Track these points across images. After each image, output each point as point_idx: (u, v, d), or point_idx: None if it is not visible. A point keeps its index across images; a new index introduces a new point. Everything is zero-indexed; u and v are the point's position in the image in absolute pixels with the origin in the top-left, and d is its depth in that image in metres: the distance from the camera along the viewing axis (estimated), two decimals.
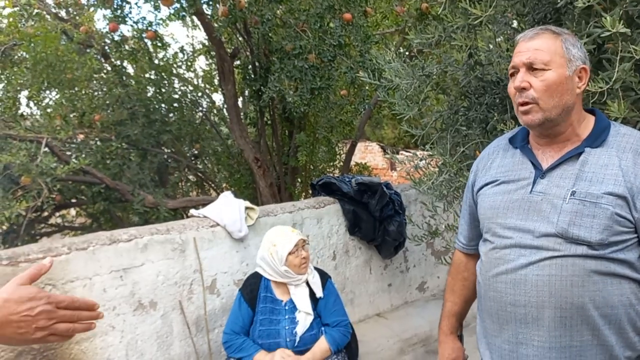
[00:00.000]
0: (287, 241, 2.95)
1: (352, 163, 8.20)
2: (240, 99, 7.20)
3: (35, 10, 5.35)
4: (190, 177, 8.08)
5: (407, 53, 4.82)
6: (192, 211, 3.70)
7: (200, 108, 7.53)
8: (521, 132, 1.71)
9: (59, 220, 7.55)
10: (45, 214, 5.75)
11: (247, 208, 3.67)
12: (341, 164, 8.09)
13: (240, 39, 5.71)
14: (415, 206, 4.72)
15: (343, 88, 6.12)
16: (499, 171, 1.68)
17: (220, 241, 3.55)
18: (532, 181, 1.57)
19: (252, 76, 5.71)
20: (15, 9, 4.47)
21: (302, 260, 2.93)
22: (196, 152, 7.55)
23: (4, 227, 4.03)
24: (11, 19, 4.30)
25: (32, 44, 4.37)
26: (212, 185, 8.08)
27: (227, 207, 3.62)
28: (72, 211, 8.03)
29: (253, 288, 2.99)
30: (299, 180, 7.54)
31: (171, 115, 6.62)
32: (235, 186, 7.21)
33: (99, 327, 2.96)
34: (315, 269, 3.12)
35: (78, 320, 1.15)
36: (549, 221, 1.49)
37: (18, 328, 1.07)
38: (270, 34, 4.87)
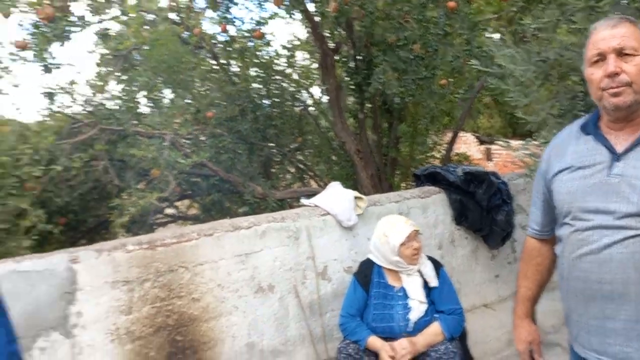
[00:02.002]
0: (399, 232, 3.00)
1: (451, 153, 8.09)
2: None
3: (152, 16, 5.80)
4: (290, 169, 8.35)
5: (517, 38, 4.70)
6: (303, 200, 3.86)
7: (300, 102, 7.76)
8: (592, 119, 1.76)
9: (174, 211, 8.12)
10: (166, 204, 6.23)
11: (355, 198, 3.79)
12: (441, 154, 8.02)
13: (342, 33, 5.83)
14: (524, 195, 4.60)
15: (443, 77, 6.06)
16: (574, 157, 1.74)
17: (330, 229, 3.69)
18: (609, 165, 1.64)
19: (354, 69, 5.81)
20: (133, 15, 4.86)
21: (414, 251, 2.98)
22: (297, 145, 7.79)
23: (129, 217, 4.43)
24: (135, 25, 4.72)
25: (154, 48, 4.76)
26: (313, 177, 8.31)
27: (337, 197, 3.76)
28: (185, 202, 8.60)
29: (367, 273, 3.10)
30: (399, 171, 7.56)
31: (275, 110, 6.89)
32: (335, 178, 7.38)
33: (225, 307, 3.20)
34: (428, 257, 3.16)
35: None
36: (629, 201, 1.56)
37: None
38: (373, 27, 4.94)
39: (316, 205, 3.74)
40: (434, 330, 2.89)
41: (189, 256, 3.10)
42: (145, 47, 5.10)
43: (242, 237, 3.32)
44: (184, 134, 4.58)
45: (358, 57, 5.84)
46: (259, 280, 3.36)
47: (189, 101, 5.94)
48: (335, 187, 3.90)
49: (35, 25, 3.67)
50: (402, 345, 2.82)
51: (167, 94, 6.39)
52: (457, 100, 6.97)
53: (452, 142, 7.27)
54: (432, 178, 4.27)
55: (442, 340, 2.87)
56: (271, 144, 6.91)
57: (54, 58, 3.88)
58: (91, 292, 2.76)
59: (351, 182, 6.96)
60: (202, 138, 5.79)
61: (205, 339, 3.13)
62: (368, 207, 3.83)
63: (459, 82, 6.33)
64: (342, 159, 7.43)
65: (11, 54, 3.88)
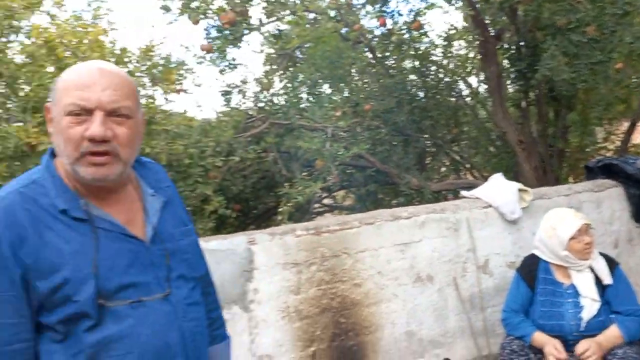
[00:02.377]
0: (569, 226, 2.84)
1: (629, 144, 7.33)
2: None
3: (312, 15, 6.08)
4: (446, 161, 8.21)
5: None
6: (464, 192, 3.81)
7: (455, 93, 7.58)
8: None
9: (331, 201, 8.47)
10: (324, 194, 6.54)
11: (520, 190, 3.64)
12: (615, 145, 7.31)
13: (505, 19, 5.59)
14: None
15: (619, 61, 5.52)
16: None
17: (492, 222, 3.60)
18: None
19: (517, 56, 5.54)
20: (301, 15, 5.15)
21: (586, 246, 2.81)
22: (453, 136, 7.64)
23: (289, 206, 4.72)
24: (301, 25, 5.02)
25: (317, 45, 5.01)
26: (469, 169, 8.09)
27: (500, 189, 3.65)
28: (340, 193, 8.92)
29: (531, 269, 2.98)
30: (566, 163, 7.06)
31: (430, 101, 6.83)
32: (494, 170, 7.10)
33: (385, 295, 3.30)
34: (601, 254, 2.95)
35: None
36: None
37: None
38: (540, 10, 4.67)
39: (477, 197, 3.67)
40: (613, 334, 2.70)
41: (351, 243, 3.24)
42: (308, 45, 5.38)
43: (402, 226, 3.38)
44: (344, 126, 4.77)
45: (521, 44, 5.55)
46: (417, 270, 3.40)
47: (348, 95, 6.15)
48: (497, 179, 3.79)
49: (219, 29, 4.10)
50: (585, 346, 2.65)
51: (327, 89, 6.68)
52: (636, 86, 6.29)
53: (629, 132, 6.59)
54: (607, 170, 3.95)
55: (620, 343, 2.67)
56: (426, 136, 6.87)
57: (233, 59, 4.31)
58: (266, 272, 3.02)
59: (511, 174, 6.65)
60: (359, 130, 5.95)
61: (367, 324, 3.25)
62: (534, 201, 3.67)
63: (638, 66, 5.71)
64: (501, 150, 7.14)
65: (196, 56, 4.40)
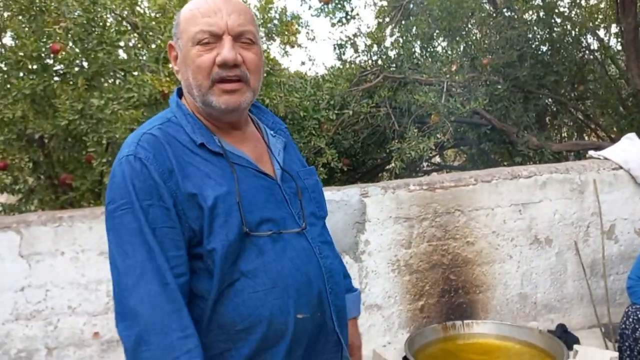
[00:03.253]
0: None
1: None
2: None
3: None
4: (569, 121, 7.66)
5: None
6: (592, 152, 3.57)
7: (583, 47, 6.97)
8: None
9: (440, 160, 8.27)
10: (434, 152, 6.39)
11: None
12: None
13: None
14: None
15: None
16: None
17: (622, 185, 3.36)
18: None
19: None
20: None
21: None
22: (578, 94, 7.08)
23: (400, 161, 4.64)
24: None
25: None
26: (594, 129, 7.50)
27: (633, 150, 3.37)
28: (449, 152, 8.67)
29: None
30: None
31: (555, 55, 6.36)
32: (623, 132, 6.53)
33: (499, 255, 3.22)
34: None
35: None
36: None
37: None
38: None
39: (606, 158, 3.42)
40: None
41: (465, 200, 3.17)
42: None
43: (521, 185, 3.25)
44: (460, 81, 4.59)
45: None
46: (535, 232, 3.27)
47: (465, 48, 5.88)
48: (631, 138, 3.50)
49: None
50: None
51: (442, 42, 6.43)
52: None
53: None
54: None
55: None
56: (548, 93, 6.42)
57: (352, 9, 4.26)
58: (377, 224, 3.05)
59: None
60: (476, 85, 5.69)
61: (478, 283, 3.20)
62: None
63: None
64: (633, 110, 6.53)
65: (312, 8, 4.40)
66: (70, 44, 3.16)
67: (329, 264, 1.30)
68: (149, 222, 1.11)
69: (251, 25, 1.24)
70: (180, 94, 1.32)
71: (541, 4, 6.00)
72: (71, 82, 3.20)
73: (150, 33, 3.35)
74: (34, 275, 2.59)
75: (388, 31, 6.22)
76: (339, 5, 4.20)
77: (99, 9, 3.09)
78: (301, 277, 1.22)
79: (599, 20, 7.73)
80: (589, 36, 7.23)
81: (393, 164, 4.34)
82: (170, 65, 3.28)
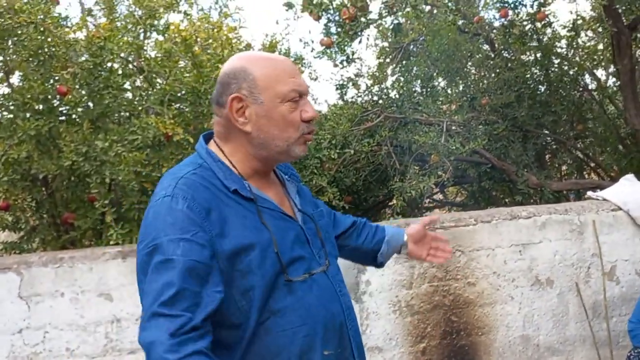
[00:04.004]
0: None
1: None
2: None
3: (427, 7, 5.98)
4: (568, 159, 7.71)
5: None
6: (590, 193, 3.59)
7: (581, 87, 7.08)
8: None
9: (441, 197, 8.30)
10: (436, 190, 6.43)
11: None
12: None
13: None
14: None
15: None
16: None
17: (622, 227, 3.37)
18: None
19: None
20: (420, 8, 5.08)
21: None
22: (577, 133, 7.15)
23: (401, 200, 4.68)
24: (419, 18, 4.98)
25: (435, 38, 4.94)
26: (594, 168, 7.54)
27: (632, 191, 3.40)
28: (451, 189, 8.71)
29: None
30: None
31: (553, 95, 6.45)
32: (622, 171, 6.57)
33: (499, 296, 3.20)
34: None
35: None
36: None
37: None
38: None
39: (605, 199, 3.44)
40: None
41: (465, 240, 3.18)
42: (423, 38, 5.31)
43: (520, 226, 3.26)
44: (459, 121, 4.66)
45: None
46: (536, 273, 3.27)
47: (464, 89, 5.98)
48: (629, 180, 3.53)
49: (339, 24, 4.19)
50: None
51: (442, 83, 6.54)
52: None
53: None
54: None
55: None
56: (547, 132, 6.49)
57: (353, 53, 4.38)
58: None
59: None
60: (475, 125, 5.76)
61: (480, 324, 3.18)
62: None
63: None
64: (632, 149, 6.57)
65: (314, 51, 4.52)
66: (77, 86, 3.24)
67: (347, 301, 1.39)
68: (180, 254, 1.13)
69: None
70: (206, 140, 1.40)
71: (538, 45, 6.11)
72: (76, 124, 3.27)
73: (155, 76, 3.43)
74: (33, 317, 2.58)
75: (389, 71, 6.33)
76: (340, 49, 4.31)
77: (106, 54, 3.17)
78: (327, 314, 1.29)
79: (596, 60, 7.88)
80: (586, 76, 7.36)
81: (395, 202, 4.38)
82: (174, 107, 3.37)
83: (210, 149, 1.35)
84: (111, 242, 3.01)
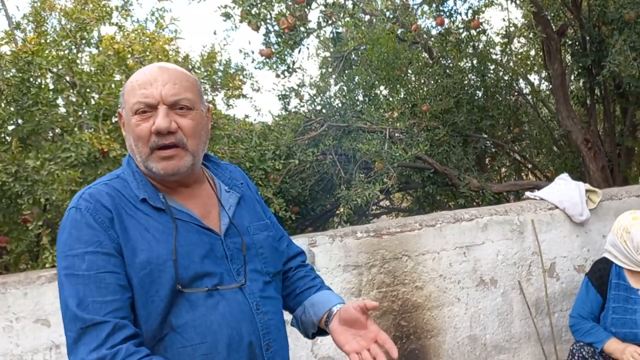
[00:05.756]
0: None
1: None
2: None
3: (366, 17, 6.08)
4: (506, 162, 8.00)
5: None
6: (528, 193, 3.71)
7: (515, 91, 7.38)
8: None
9: (387, 203, 8.42)
10: (382, 196, 6.51)
11: (587, 191, 3.51)
12: None
13: (568, 14, 5.40)
14: None
15: None
16: None
17: (559, 224, 3.48)
18: None
19: (581, 52, 5.34)
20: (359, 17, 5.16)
21: None
22: (514, 136, 7.44)
23: (347, 208, 4.72)
24: (359, 27, 5.04)
25: (374, 47, 5.01)
26: (531, 169, 7.85)
27: (566, 190, 3.52)
28: (397, 195, 8.85)
29: (602, 274, 2.86)
30: (635, 162, 6.73)
31: (490, 100, 6.68)
32: (557, 170, 6.87)
33: (447, 298, 3.25)
34: None
35: None
36: None
37: None
38: (606, 4, 4.49)
39: (542, 199, 3.56)
40: None
41: (411, 245, 3.21)
42: (364, 47, 5.39)
43: (464, 228, 3.32)
44: (402, 128, 4.74)
45: (586, 39, 5.35)
46: (480, 273, 3.33)
47: (405, 96, 6.10)
48: (564, 179, 3.66)
49: (278, 34, 4.18)
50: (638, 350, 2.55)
51: (383, 91, 6.65)
52: None
53: None
54: None
55: None
56: (486, 136, 6.72)
57: (293, 63, 4.38)
58: (327, 273, 3.03)
59: (577, 174, 6.42)
60: (417, 131, 5.89)
61: (428, 327, 3.21)
62: (602, 202, 3.53)
63: None
64: (565, 150, 6.89)
65: (255, 61, 4.50)
66: (3, 104, 3.08)
67: (267, 320, 1.30)
68: (86, 269, 1.13)
69: (188, 92, 1.28)
70: None
71: (474, 52, 6.32)
72: (5, 142, 3.10)
73: (89, 90, 3.31)
74: None
75: (332, 81, 6.39)
76: (280, 59, 4.31)
77: (34, 69, 3.04)
78: (231, 332, 1.22)
79: (529, 66, 8.23)
80: (521, 81, 7.67)
81: (341, 210, 4.39)
82: (109, 122, 3.26)
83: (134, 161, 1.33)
84: (47, 265, 2.87)
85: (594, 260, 3.10)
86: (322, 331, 1.50)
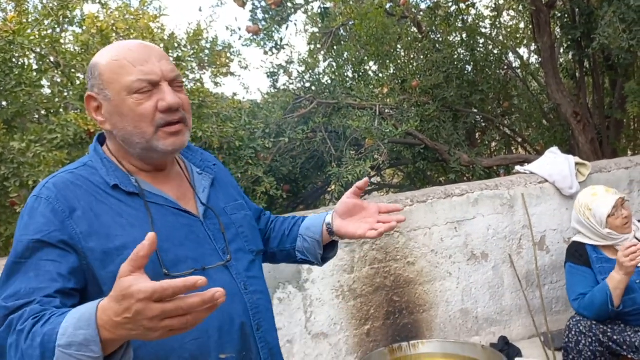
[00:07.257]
0: (604, 203, 2.79)
1: None
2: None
3: None
4: (497, 136, 8.02)
5: None
6: (518, 168, 3.72)
7: (505, 65, 7.36)
8: None
9: (379, 180, 8.43)
10: (373, 173, 6.51)
11: (577, 164, 3.53)
12: None
13: None
14: None
15: None
16: None
17: (549, 198, 3.51)
18: None
19: (571, 24, 5.32)
20: None
21: (625, 220, 2.77)
22: (504, 110, 7.44)
23: (339, 185, 4.72)
24: (344, 1, 4.97)
25: (363, 22, 4.95)
26: (521, 143, 7.88)
27: (556, 164, 3.54)
28: (388, 171, 8.86)
29: (582, 253, 2.88)
30: (624, 134, 6.76)
31: (479, 75, 6.66)
32: (547, 144, 6.89)
33: (439, 273, 3.28)
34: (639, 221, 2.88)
35: (190, 312, 0.87)
36: None
37: (130, 330, 0.89)
38: None
39: (532, 173, 3.58)
40: None
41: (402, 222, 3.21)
42: (353, 23, 5.33)
43: (455, 204, 3.34)
44: (392, 104, 4.71)
45: (576, 11, 5.32)
46: (472, 248, 3.36)
47: (394, 72, 6.06)
48: (554, 152, 3.67)
49: (265, 11, 4.10)
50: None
51: (373, 67, 6.60)
52: None
53: None
54: None
55: None
56: (476, 110, 6.71)
57: (281, 39, 4.31)
58: None
59: (566, 148, 6.45)
60: (407, 107, 5.87)
61: (421, 302, 3.24)
62: (592, 175, 3.55)
63: None
64: (555, 123, 6.91)
65: (242, 38, 4.42)
66: None
67: (256, 300, 1.29)
68: (29, 256, 1.10)
69: (177, 69, 1.27)
70: (101, 140, 1.32)
71: (463, 26, 6.28)
72: None
73: (73, 70, 3.25)
74: None
75: (321, 57, 6.32)
76: (268, 36, 4.24)
77: (16, 49, 2.96)
78: (222, 314, 1.19)
79: (518, 39, 8.19)
80: (510, 55, 7.64)
81: (333, 187, 4.39)
82: None
83: (104, 148, 1.29)
84: None
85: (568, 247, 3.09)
86: (329, 248, 1.53)
